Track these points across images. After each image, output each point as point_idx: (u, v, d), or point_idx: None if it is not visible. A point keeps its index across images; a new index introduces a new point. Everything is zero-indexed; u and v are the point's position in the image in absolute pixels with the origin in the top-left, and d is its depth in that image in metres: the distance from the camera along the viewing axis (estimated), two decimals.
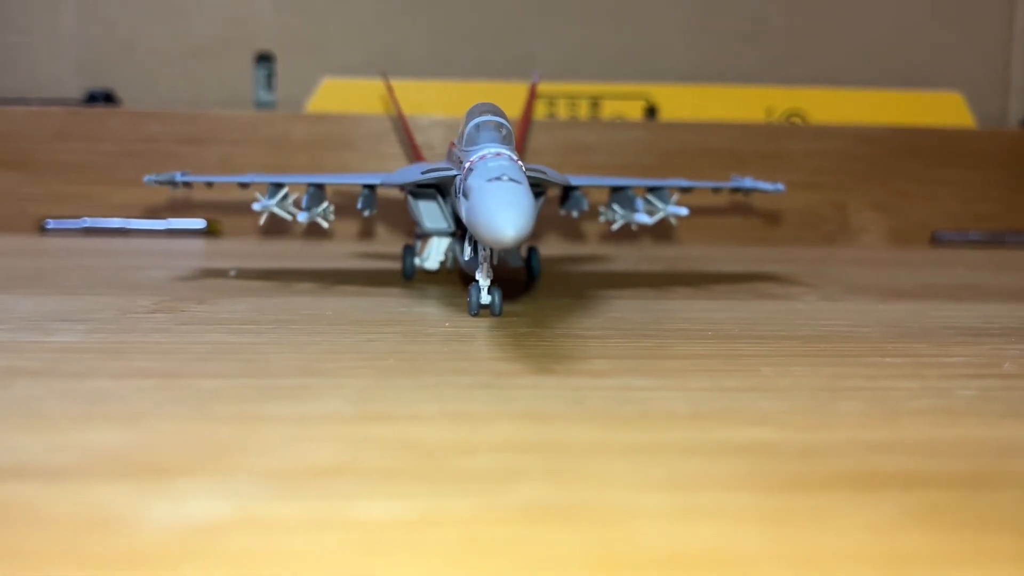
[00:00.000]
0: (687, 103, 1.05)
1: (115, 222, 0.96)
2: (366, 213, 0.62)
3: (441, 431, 0.29)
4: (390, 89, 0.80)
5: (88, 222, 0.96)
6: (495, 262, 0.49)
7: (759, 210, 1.02)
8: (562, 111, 1.03)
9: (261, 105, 1.04)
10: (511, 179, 0.40)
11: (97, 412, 0.31)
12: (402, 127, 0.85)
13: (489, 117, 0.48)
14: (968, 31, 1.10)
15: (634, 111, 1.04)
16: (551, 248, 0.90)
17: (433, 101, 1.01)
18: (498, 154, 0.44)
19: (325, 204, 0.62)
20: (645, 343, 0.44)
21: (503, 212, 0.37)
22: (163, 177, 0.63)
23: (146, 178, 0.63)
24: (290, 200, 0.61)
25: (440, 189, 0.57)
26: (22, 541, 0.20)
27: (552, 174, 0.55)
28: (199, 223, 0.96)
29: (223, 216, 0.96)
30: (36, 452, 0.26)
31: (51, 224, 0.97)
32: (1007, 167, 1.06)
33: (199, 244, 0.91)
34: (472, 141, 0.47)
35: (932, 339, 0.46)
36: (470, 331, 0.46)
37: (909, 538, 0.21)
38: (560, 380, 0.35)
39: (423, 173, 0.52)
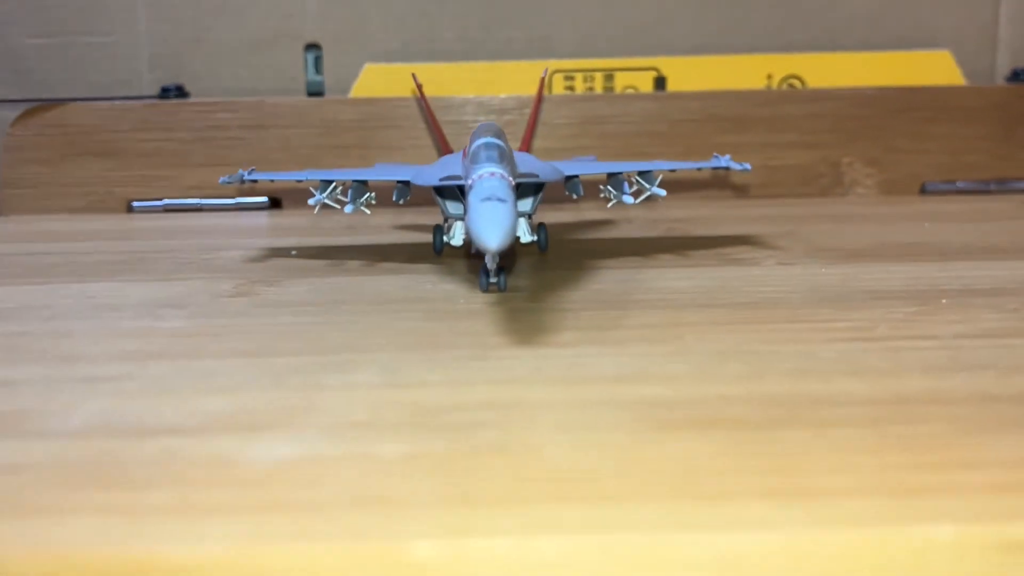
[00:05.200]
0: (693, 74, 1.16)
1: (191, 201, 1.11)
2: (400, 202, 0.76)
3: (439, 394, 0.43)
4: (420, 91, 0.92)
5: (168, 202, 1.12)
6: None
7: (762, 168, 1.13)
8: (579, 86, 1.16)
9: (311, 86, 1.17)
10: (498, 199, 0.53)
11: (207, 386, 0.45)
12: (431, 123, 0.98)
13: (490, 139, 0.62)
14: None
15: (645, 83, 1.16)
16: (568, 214, 1.03)
17: (463, 81, 1.14)
18: (492, 174, 0.57)
19: (367, 194, 0.75)
20: (611, 314, 0.57)
21: (488, 228, 0.50)
22: (234, 178, 0.77)
23: (220, 179, 0.77)
24: (339, 191, 0.75)
25: (460, 189, 0.71)
26: (174, 474, 0.35)
27: (546, 173, 0.69)
28: (263, 200, 1.11)
29: (283, 192, 1.11)
30: (173, 416, 0.41)
31: (137, 205, 1.12)
32: (995, 121, 1.15)
33: (263, 219, 1.06)
34: (475, 159, 0.61)
35: (840, 304, 0.59)
36: (478, 308, 0.60)
37: (708, 461, 0.34)
38: (532, 351, 0.49)
39: (441, 179, 0.66)
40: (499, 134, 0.64)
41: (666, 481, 0.33)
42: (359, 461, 0.35)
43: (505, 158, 0.61)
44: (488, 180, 0.56)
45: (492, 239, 0.50)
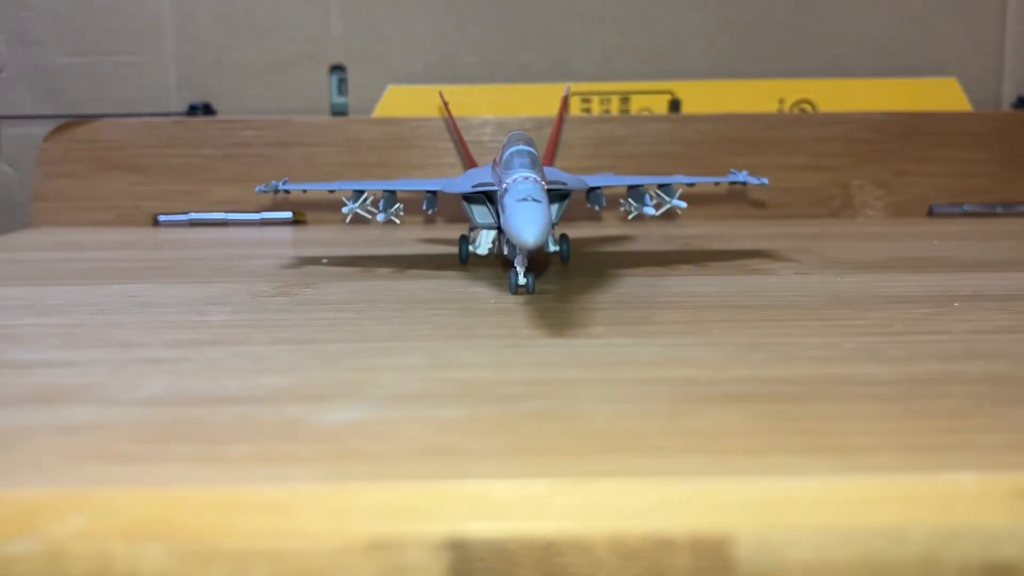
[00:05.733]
0: (707, 97, 1.20)
1: (217, 215, 1.15)
2: (430, 212, 0.79)
3: (484, 373, 0.46)
4: (447, 108, 0.96)
5: (193, 216, 1.15)
6: (529, 254, 0.66)
7: (775, 189, 1.17)
8: (596, 108, 1.19)
9: (336, 107, 1.21)
10: (534, 199, 0.56)
11: (264, 367, 0.48)
12: (456, 139, 1.01)
13: (522, 147, 0.65)
14: (963, 19, 1.23)
15: (660, 106, 1.20)
16: (587, 230, 1.06)
17: (483, 103, 1.18)
18: (526, 178, 0.61)
19: (397, 205, 0.79)
20: (637, 313, 0.60)
21: (526, 226, 0.54)
22: (269, 187, 0.80)
23: (257, 189, 0.80)
24: (369, 202, 0.78)
25: (487, 195, 0.74)
26: (251, 432, 0.38)
27: (573, 182, 0.72)
28: (286, 215, 1.14)
29: (305, 208, 1.15)
30: (238, 389, 0.44)
31: (163, 218, 1.16)
32: (1000, 146, 1.19)
33: (287, 233, 1.10)
34: (508, 166, 0.64)
35: (859, 306, 0.62)
36: (509, 307, 0.63)
37: (742, 427, 0.37)
38: (566, 340, 0.52)
39: (473, 186, 0.69)
40: (530, 142, 0.68)
41: (708, 439, 0.36)
42: (421, 422, 0.38)
43: (537, 164, 0.65)
44: (523, 183, 0.60)
45: (529, 235, 0.53)
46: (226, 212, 1.15)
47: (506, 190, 0.61)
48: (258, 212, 1.15)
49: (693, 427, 0.37)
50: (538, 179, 0.61)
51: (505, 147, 0.68)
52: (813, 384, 0.43)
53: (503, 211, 0.59)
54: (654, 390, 0.43)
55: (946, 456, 0.34)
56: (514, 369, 0.47)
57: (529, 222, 0.54)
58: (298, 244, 1.02)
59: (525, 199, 0.57)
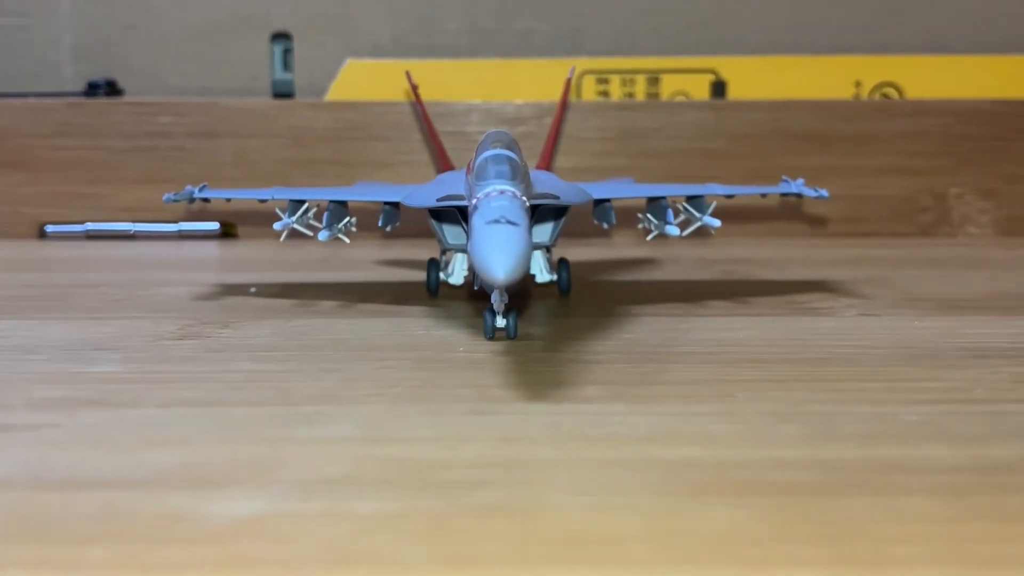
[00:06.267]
0: (761, 78, 1.22)
1: (121, 226, 1.16)
2: (388, 229, 0.80)
3: (431, 451, 0.47)
4: (415, 93, 0.97)
5: (91, 226, 1.17)
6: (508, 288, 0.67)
7: (848, 198, 1.18)
8: (616, 91, 1.21)
9: (278, 87, 1.23)
10: (508, 221, 0.57)
11: (152, 438, 0.49)
12: (428, 132, 1.03)
13: (498, 151, 0.66)
14: None
15: (699, 88, 1.21)
16: (597, 250, 1.07)
17: (468, 83, 1.20)
18: (502, 192, 0.62)
19: (347, 219, 0.80)
20: (645, 368, 0.61)
21: (496, 256, 0.54)
22: (181, 195, 0.81)
23: (164, 197, 0.82)
24: (311, 214, 0.80)
25: (460, 210, 0.75)
26: (117, 530, 0.38)
27: (570, 194, 0.73)
28: (213, 226, 1.16)
29: (238, 218, 1.16)
30: (112, 469, 0.45)
31: (51, 229, 1.17)
32: None
33: (212, 250, 1.11)
34: (481, 175, 0.65)
35: (933, 362, 0.63)
36: (482, 357, 0.64)
37: (750, 527, 0.38)
38: (547, 407, 0.53)
39: (438, 200, 0.70)
40: (511, 145, 0.69)
41: (700, 547, 0.37)
42: (338, 519, 0.39)
43: (518, 174, 0.66)
44: (497, 199, 0.61)
45: (499, 268, 0.54)
46: (133, 222, 1.16)
47: (475, 207, 0.62)
48: (175, 223, 1.16)
49: (686, 530, 0.38)
50: (517, 193, 0.62)
51: (479, 149, 0.69)
52: (852, 471, 0.44)
53: (471, 235, 0.60)
54: (645, 477, 0.43)
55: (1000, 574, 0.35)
56: (471, 445, 0.48)
57: (500, 251, 0.55)
58: (223, 266, 1.03)
59: (497, 220, 0.58)
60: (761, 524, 0.39)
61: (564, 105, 0.96)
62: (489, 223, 0.58)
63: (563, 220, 0.76)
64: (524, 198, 0.63)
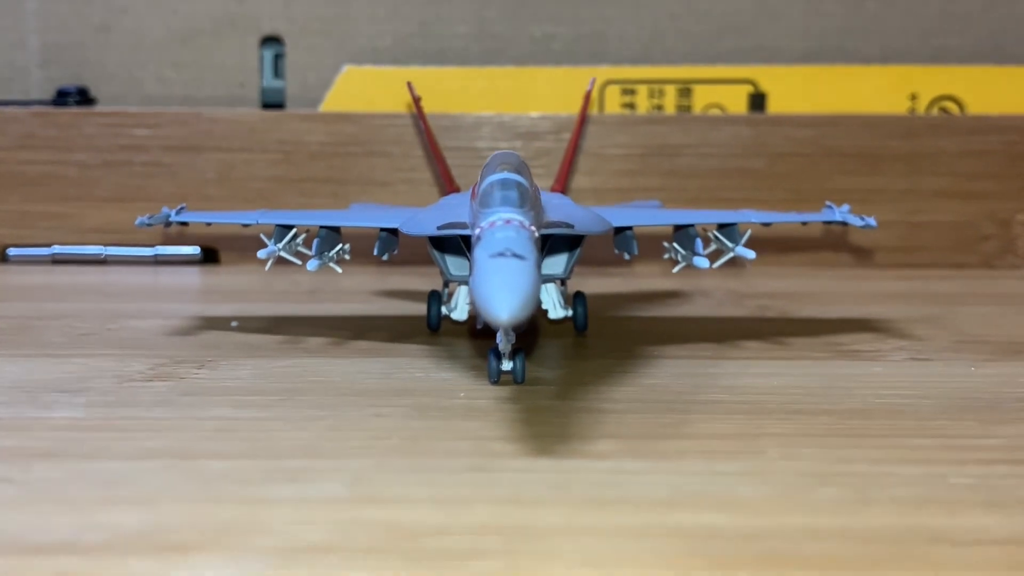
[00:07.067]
0: (804, 90, 1.22)
1: (91, 249, 1.17)
2: (384, 257, 0.80)
3: (423, 514, 0.47)
4: (417, 105, 0.98)
5: (59, 250, 1.17)
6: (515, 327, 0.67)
7: (897, 225, 1.18)
8: (643, 103, 1.21)
9: (268, 96, 1.23)
10: (515, 255, 0.57)
11: (114, 495, 0.49)
12: (430, 148, 1.03)
13: (506, 175, 0.67)
14: None
15: (736, 101, 1.22)
16: (619, 281, 1.07)
17: (479, 94, 1.20)
18: (508, 221, 0.62)
19: (339, 246, 0.80)
20: (666, 419, 0.61)
21: (500, 294, 0.55)
22: (156, 219, 0.82)
23: (137, 221, 0.82)
24: (300, 240, 0.80)
25: (464, 238, 0.75)
26: None
27: (587, 221, 0.73)
28: (193, 250, 1.16)
29: (221, 242, 1.16)
30: (68, 532, 0.45)
31: (13, 252, 1.18)
32: None
33: (194, 277, 1.11)
34: (486, 202, 0.65)
35: (990, 415, 0.62)
36: (484, 404, 0.64)
37: None
38: (554, 463, 0.53)
39: (438, 228, 0.71)
40: (519, 168, 0.69)
41: None
42: None
43: (527, 200, 0.66)
44: (502, 230, 0.61)
45: (502, 308, 0.54)
46: (104, 245, 1.17)
47: (479, 238, 0.62)
48: (151, 247, 1.17)
49: None
50: (525, 223, 0.63)
51: (484, 172, 0.69)
52: (891, 542, 0.44)
53: (473, 269, 0.60)
54: (659, 547, 0.43)
55: None
56: (468, 508, 0.48)
57: (504, 288, 0.55)
58: (203, 296, 1.03)
59: (502, 254, 0.58)
60: None
61: (583, 120, 0.96)
62: (493, 256, 0.58)
63: (579, 250, 0.77)
64: (533, 228, 0.64)
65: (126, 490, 0.50)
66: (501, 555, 0.43)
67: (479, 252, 0.60)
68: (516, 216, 0.63)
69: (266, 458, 0.55)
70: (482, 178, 0.69)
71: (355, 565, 0.42)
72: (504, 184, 0.66)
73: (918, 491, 0.50)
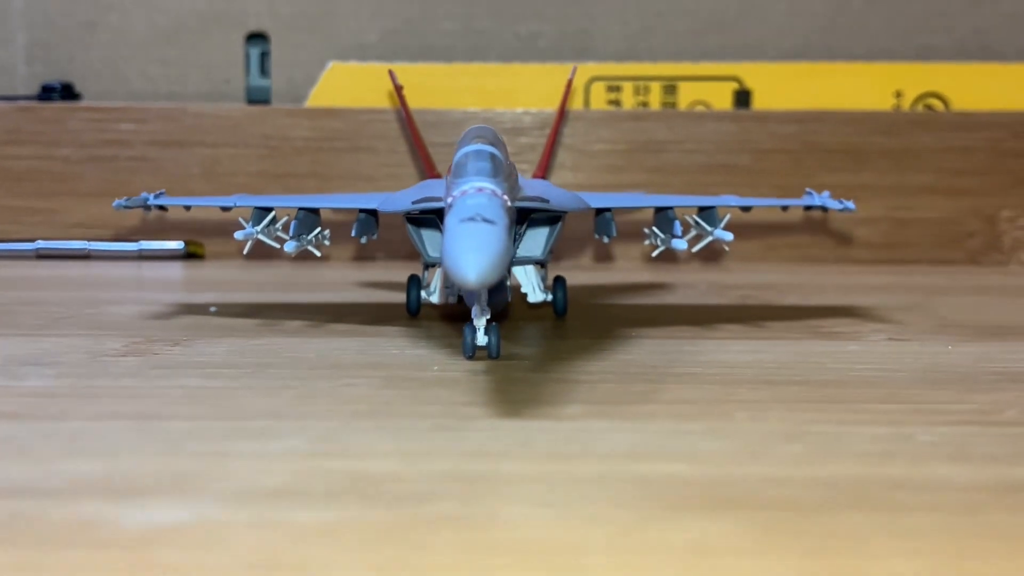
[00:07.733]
0: (789, 86, 1.22)
1: (76, 244, 1.17)
2: (363, 240, 0.80)
3: (384, 464, 0.47)
4: (399, 94, 0.98)
5: (42, 244, 1.17)
6: (489, 300, 0.67)
7: (883, 221, 1.18)
8: (628, 99, 1.21)
9: (254, 92, 1.24)
10: (484, 219, 0.57)
11: (76, 448, 0.49)
12: (412, 137, 1.03)
13: (480, 147, 0.67)
14: None
15: (720, 97, 1.22)
16: (602, 273, 1.07)
17: (465, 89, 1.20)
18: (479, 189, 0.62)
19: (318, 230, 0.80)
20: (638, 387, 0.61)
21: (468, 255, 0.54)
22: (134, 201, 0.82)
23: (115, 203, 0.82)
24: (279, 225, 0.80)
25: (441, 216, 0.75)
26: (25, 536, 0.39)
27: (563, 200, 0.73)
28: (177, 245, 1.16)
29: (205, 236, 1.17)
30: (25, 478, 0.45)
31: None
32: None
33: (177, 271, 1.12)
34: (459, 172, 0.66)
35: (963, 385, 0.63)
36: (457, 376, 0.64)
37: (722, 544, 0.38)
38: (520, 423, 0.53)
39: (414, 203, 0.71)
40: (494, 141, 0.69)
41: (670, 559, 0.37)
42: (267, 527, 0.39)
43: (500, 172, 0.66)
44: (473, 197, 0.61)
45: (471, 269, 0.54)
46: (88, 240, 1.17)
47: (451, 206, 0.62)
48: (135, 241, 1.17)
49: (653, 541, 0.38)
50: (497, 191, 0.63)
51: (460, 145, 0.70)
52: (852, 489, 0.44)
53: (444, 235, 0.60)
54: (617, 491, 0.43)
55: None
56: (429, 459, 0.48)
57: (472, 250, 0.55)
58: (185, 286, 1.04)
59: (472, 218, 0.58)
60: (738, 538, 0.39)
61: (563, 110, 0.96)
62: (463, 221, 0.58)
63: (558, 229, 0.76)
64: (505, 197, 0.64)
65: (88, 445, 0.50)
66: (458, 499, 0.43)
67: (450, 219, 0.60)
68: (488, 185, 0.63)
69: (232, 419, 0.55)
70: (457, 150, 0.69)
71: (307, 505, 0.42)
72: (478, 155, 0.67)
73: (884, 447, 0.50)
